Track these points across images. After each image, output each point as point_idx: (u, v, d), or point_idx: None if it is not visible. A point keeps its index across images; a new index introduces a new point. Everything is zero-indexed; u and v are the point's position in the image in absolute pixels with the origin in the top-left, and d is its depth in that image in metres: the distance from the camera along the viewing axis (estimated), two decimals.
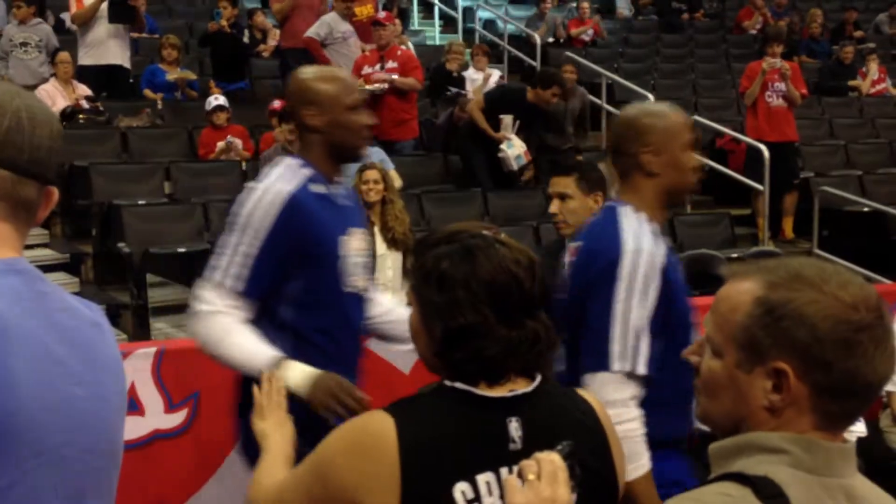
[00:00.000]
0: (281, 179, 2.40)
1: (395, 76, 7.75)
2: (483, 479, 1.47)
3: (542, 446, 1.41)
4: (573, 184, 3.23)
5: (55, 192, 1.31)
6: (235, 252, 2.34)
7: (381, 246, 5.66)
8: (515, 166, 7.51)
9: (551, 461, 1.30)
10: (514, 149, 7.47)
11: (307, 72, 2.55)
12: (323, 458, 1.53)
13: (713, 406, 1.26)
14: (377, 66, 7.86)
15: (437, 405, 1.52)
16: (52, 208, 1.32)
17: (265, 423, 1.92)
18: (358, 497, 1.46)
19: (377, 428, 1.48)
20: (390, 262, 5.71)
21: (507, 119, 7.51)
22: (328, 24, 8.27)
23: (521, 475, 1.29)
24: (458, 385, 1.52)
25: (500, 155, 7.49)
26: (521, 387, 1.54)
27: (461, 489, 1.46)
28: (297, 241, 2.36)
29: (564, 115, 8.03)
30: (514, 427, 1.50)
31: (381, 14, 8.23)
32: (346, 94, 2.46)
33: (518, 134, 7.56)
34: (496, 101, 7.64)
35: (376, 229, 5.66)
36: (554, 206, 3.26)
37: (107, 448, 1.31)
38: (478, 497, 1.46)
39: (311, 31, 8.25)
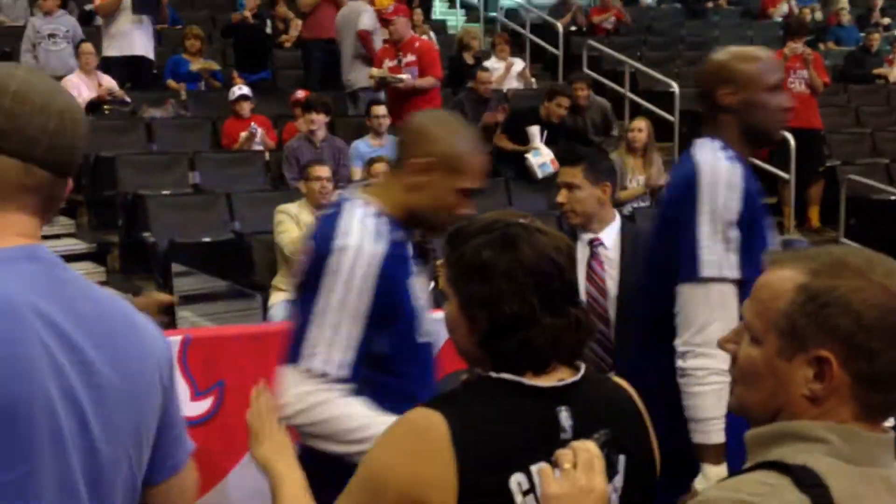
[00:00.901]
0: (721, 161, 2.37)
1: (408, 76, 7.63)
2: (537, 469, 1.45)
3: (591, 434, 1.40)
4: (580, 174, 3.21)
5: (70, 181, 1.33)
6: None
7: None
8: (540, 175, 7.46)
9: (587, 450, 1.29)
10: (541, 157, 7.43)
11: (726, 52, 2.50)
12: (373, 470, 1.48)
13: (750, 395, 1.25)
14: (395, 61, 7.80)
15: (486, 397, 1.50)
16: (67, 195, 1.34)
17: (264, 448, 1.75)
18: (419, 498, 1.43)
19: (426, 425, 1.45)
20: None
21: (533, 129, 7.52)
22: (372, 14, 8.28)
23: (556, 464, 1.28)
24: (506, 376, 1.50)
25: (526, 164, 7.47)
26: (567, 376, 1.53)
27: (517, 480, 1.45)
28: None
29: (585, 127, 8.03)
30: (565, 416, 1.49)
31: (390, 8, 8.06)
32: (766, 73, 2.40)
33: (547, 145, 7.56)
34: (515, 127, 7.67)
35: None
36: (561, 196, 3.26)
37: (125, 437, 1.29)
38: (533, 488, 1.45)
39: (365, 25, 8.19)
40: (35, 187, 1.25)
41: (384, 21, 7.93)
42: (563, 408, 1.50)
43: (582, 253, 3.19)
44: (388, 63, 7.80)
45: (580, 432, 1.45)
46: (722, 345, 1.31)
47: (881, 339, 1.15)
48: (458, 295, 1.55)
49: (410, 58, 7.74)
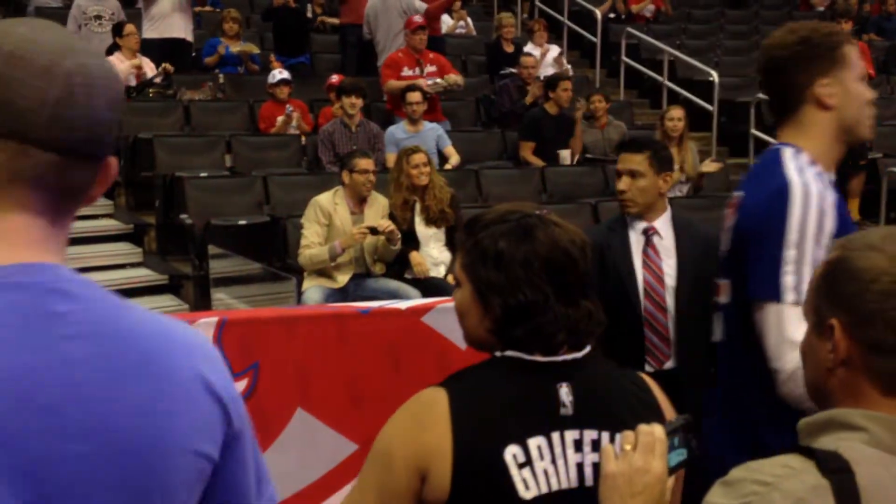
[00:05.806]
0: None
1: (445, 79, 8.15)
2: (535, 443, 1.50)
3: (592, 412, 1.49)
4: (645, 161, 3.11)
5: (114, 163, 1.06)
6: None
7: (420, 225, 5.72)
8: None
9: (650, 433, 1.34)
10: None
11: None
12: (381, 444, 1.55)
13: (805, 374, 1.30)
14: (416, 69, 8.06)
15: (488, 372, 1.56)
16: (110, 183, 1.06)
17: None
18: (422, 466, 1.49)
19: (429, 398, 1.52)
20: (432, 241, 5.78)
21: (563, 154, 7.75)
22: None
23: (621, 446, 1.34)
24: (510, 353, 1.55)
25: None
26: (571, 355, 1.57)
27: (512, 452, 1.49)
28: None
29: (602, 144, 8.02)
30: (565, 392, 1.53)
31: (418, 18, 8.26)
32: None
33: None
34: (532, 131, 7.80)
35: (417, 207, 5.71)
36: (622, 184, 3.15)
37: None
38: (529, 461, 1.49)
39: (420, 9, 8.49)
40: (36, 175, 0.98)
41: (418, 29, 8.09)
42: (563, 384, 1.53)
43: (636, 242, 3.14)
44: (408, 71, 8.02)
45: (582, 409, 1.51)
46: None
47: (877, 301, 1.17)
48: (472, 281, 1.59)
49: (431, 68, 8.14)
